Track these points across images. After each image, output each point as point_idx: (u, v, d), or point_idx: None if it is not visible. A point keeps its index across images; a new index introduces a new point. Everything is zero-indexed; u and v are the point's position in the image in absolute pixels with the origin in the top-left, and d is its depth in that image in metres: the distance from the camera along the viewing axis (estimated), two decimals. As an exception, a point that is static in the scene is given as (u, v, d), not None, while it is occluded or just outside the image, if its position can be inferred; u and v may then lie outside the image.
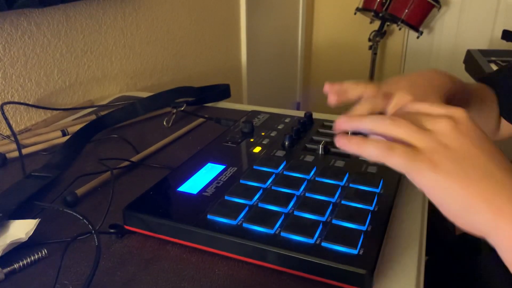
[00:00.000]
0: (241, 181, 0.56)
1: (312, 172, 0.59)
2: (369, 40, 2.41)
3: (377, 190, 0.54)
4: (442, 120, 0.36)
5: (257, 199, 0.52)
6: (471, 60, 1.68)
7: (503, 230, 0.33)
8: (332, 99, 0.52)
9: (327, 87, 0.53)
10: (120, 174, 0.66)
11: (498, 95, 0.67)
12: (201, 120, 0.86)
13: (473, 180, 0.34)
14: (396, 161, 0.35)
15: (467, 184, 0.34)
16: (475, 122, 0.37)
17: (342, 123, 0.41)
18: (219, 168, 0.61)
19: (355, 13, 2.40)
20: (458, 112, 0.37)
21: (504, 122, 0.68)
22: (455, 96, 0.55)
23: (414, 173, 0.35)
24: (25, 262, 0.47)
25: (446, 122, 0.36)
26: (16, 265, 0.46)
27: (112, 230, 0.52)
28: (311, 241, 0.45)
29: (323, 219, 0.48)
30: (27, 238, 0.49)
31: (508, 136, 0.70)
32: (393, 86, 0.51)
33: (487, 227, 0.33)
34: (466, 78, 1.74)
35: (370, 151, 0.37)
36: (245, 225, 0.48)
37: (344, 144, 0.39)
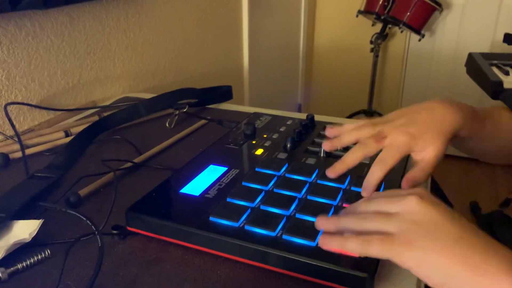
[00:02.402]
0: (243, 183, 0.57)
1: (314, 175, 0.59)
2: (371, 42, 2.42)
3: (379, 193, 0.54)
4: (407, 199, 0.40)
5: (259, 201, 0.53)
6: (473, 63, 1.68)
7: (484, 287, 0.35)
8: (327, 148, 0.56)
9: (329, 132, 0.57)
10: (122, 175, 0.67)
11: None
12: (203, 121, 0.86)
13: (446, 247, 0.36)
14: (376, 250, 0.38)
15: (442, 252, 0.36)
16: (434, 197, 0.41)
17: (322, 224, 0.44)
18: (221, 170, 0.61)
19: (357, 16, 2.40)
20: (418, 190, 0.42)
21: None
22: (464, 127, 0.54)
23: (395, 257, 0.38)
24: (28, 262, 0.47)
25: (411, 199, 0.40)
26: (19, 265, 0.47)
27: (114, 231, 0.52)
28: (312, 244, 0.45)
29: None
30: (30, 239, 0.49)
31: None
32: (389, 127, 0.52)
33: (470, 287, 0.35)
34: (468, 81, 1.74)
35: (351, 247, 0.40)
36: (247, 227, 0.48)
37: (326, 243, 0.42)
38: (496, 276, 0.34)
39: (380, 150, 0.51)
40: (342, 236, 0.41)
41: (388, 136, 0.51)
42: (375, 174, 0.50)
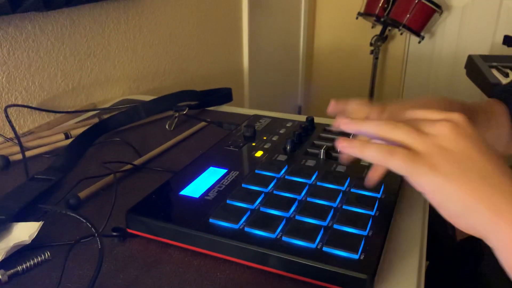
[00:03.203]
0: (243, 185, 0.57)
1: (314, 177, 0.59)
2: (371, 44, 2.42)
3: (378, 195, 0.54)
4: (441, 124, 0.37)
5: (259, 203, 0.53)
6: (472, 66, 1.68)
7: (502, 230, 0.33)
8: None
9: (332, 106, 0.54)
10: (122, 177, 0.67)
11: (509, 104, 0.66)
12: (203, 123, 0.87)
13: (471, 182, 0.34)
14: (396, 164, 0.36)
15: (466, 185, 0.34)
16: (473, 126, 0.38)
17: (344, 124, 0.41)
18: (221, 172, 0.61)
19: (356, 18, 2.41)
20: (456, 116, 0.38)
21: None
22: None
23: (415, 176, 0.36)
24: (28, 264, 0.47)
25: (445, 125, 0.37)
26: (19, 268, 0.47)
27: (114, 233, 0.52)
28: (312, 245, 0.45)
29: (325, 223, 0.49)
30: (30, 241, 0.49)
31: None
32: (399, 107, 0.51)
33: (486, 228, 0.34)
34: (468, 83, 1.74)
35: (371, 154, 0.38)
36: (246, 229, 0.48)
37: (345, 147, 0.39)
38: None
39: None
40: (364, 141, 0.39)
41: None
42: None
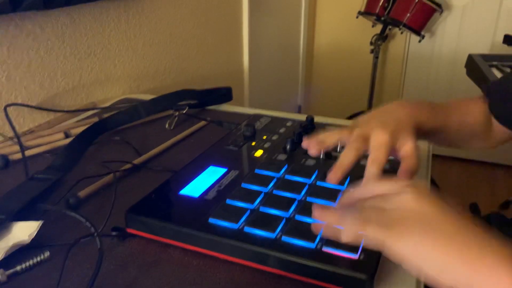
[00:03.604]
0: (243, 185, 0.57)
1: (314, 176, 0.59)
2: (371, 43, 2.42)
3: (378, 195, 0.54)
4: (406, 191, 0.39)
5: (259, 203, 0.53)
6: (473, 65, 1.68)
7: (481, 281, 0.34)
8: (313, 152, 0.56)
9: (306, 144, 0.57)
10: (122, 177, 0.67)
11: (492, 102, 0.68)
12: (203, 123, 0.87)
13: (443, 239, 0.36)
14: (372, 231, 0.38)
15: (439, 244, 0.36)
16: (431, 192, 0.40)
17: (319, 215, 0.43)
18: (221, 171, 0.61)
19: (357, 17, 2.40)
20: (419, 184, 0.41)
21: (497, 130, 0.69)
22: (428, 119, 0.59)
23: (390, 243, 0.37)
24: (27, 264, 0.47)
25: (411, 192, 0.39)
26: (18, 267, 0.47)
27: (114, 233, 0.52)
28: (312, 245, 0.45)
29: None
30: (29, 240, 0.49)
31: (501, 141, 0.71)
32: (366, 128, 0.54)
33: (466, 281, 0.35)
34: (468, 82, 1.74)
35: (347, 224, 0.39)
36: (246, 229, 0.48)
37: (322, 216, 0.42)
38: (492, 270, 0.34)
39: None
40: (339, 214, 0.41)
41: (371, 136, 0.52)
42: (371, 172, 0.50)
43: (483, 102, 0.69)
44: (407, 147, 0.53)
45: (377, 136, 0.52)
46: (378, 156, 0.51)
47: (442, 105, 0.64)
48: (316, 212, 0.42)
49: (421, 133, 0.58)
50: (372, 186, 0.44)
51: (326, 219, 0.41)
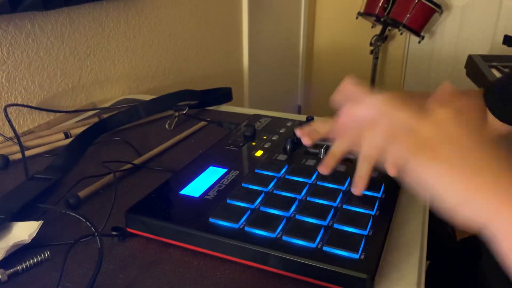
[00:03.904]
0: (243, 185, 0.57)
1: (314, 176, 0.59)
2: (371, 44, 2.42)
3: (379, 195, 0.54)
4: (443, 107, 0.37)
5: (259, 203, 0.53)
6: (472, 65, 1.68)
7: (504, 215, 0.33)
8: (306, 141, 0.55)
9: (299, 133, 0.56)
10: (122, 177, 0.67)
11: (490, 98, 0.69)
12: (203, 123, 0.86)
13: (472, 169, 0.34)
14: (399, 148, 0.36)
15: (466, 176, 0.34)
16: (475, 112, 0.38)
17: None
18: (221, 171, 0.61)
19: (356, 18, 2.41)
20: (458, 103, 0.39)
21: (494, 125, 0.69)
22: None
23: (415, 164, 0.35)
24: (28, 264, 0.47)
25: (448, 110, 0.37)
26: (19, 267, 0.46)
27: (114, 233, 0.52)
28: (312, 245, 0.45)
29: (325, 223, 0.49)
30: (30, 240, 0.49)
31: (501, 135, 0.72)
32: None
33: (487, 214, 0.33)
34: (468, 83, 1.74)
35: (374, 137, 0.37)
36: (247, 228, 0.48)
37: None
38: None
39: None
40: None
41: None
42: (362, 169, 0.49)
43: (479, 97, 0.69)
44: None
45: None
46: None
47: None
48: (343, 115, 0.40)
49: None
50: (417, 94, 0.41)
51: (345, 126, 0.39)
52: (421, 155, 0.35)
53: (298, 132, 0.56)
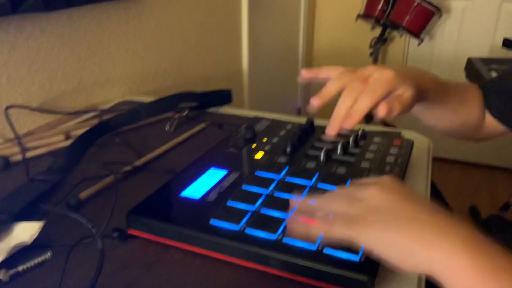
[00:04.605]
0: (244, 187, 0.57)
1: (314, 179, 0.59)
2: (370, 46, 2.42)
3: (379, 197, 0.54)
4: (370, 187, 0.42)
5: (260, 204, 0.53)
6: (472, 68, 1.69)
7: (439, 262, 0.35)
8: (317, 101, 0.55)
9: (304, 73, 0.58)
10: (123, 178, 0.67)
11: (487, 96, 0.70)
12: (203, 125, 0.87)
13: (403, 227, 0.38)
14: (339, 231, 0.40)
15: (399, 231, 0.37)
16: (400, 183, 0.43)
17: (293, 203, 0.46)
18: (222, 173, 0.61)
19: (356, 20, 2.41)
20: (384, 179, 0.43)
21: (489, 123, 0.70)
22: (429, 89, 0.59)
23: (357, 237, 0.39)
24: (29, 264, 0.47)
25: (374, 187, 0.42)
26: (20, 268, 0.47)
27: (115, 234, 0.52)
28: (313, 247, 0.45)
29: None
30: (31, 241, 0.49)
31: (489, 136, 0.73)
32: (372, 69, 0.54)
33: (427, 264, 0.36)
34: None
35: (315, 229, 0.41)
36: (247, 230, 0.48)
37: (293, 228, 0.43)
38: (448, 251, 0.35)
39: None
40: (307, 220, 0.42)
41: (374, 73, 0.53)
42: (363, 102, 0.50)
43: (479, 91, 0.71)
44: (405, 94, 0.53)
45: (382, 72, 0.52)
46: (374, 88, 0.51)
47: (445, 83, 0.65)
48: (287, 224, 0.44)
49: (421, 100, 0.58)
50: (344, 189, 0.45)
51: (296, 229, 0.42)
52: (359, 227, 0.39)
53: (303, 72, 0.58)
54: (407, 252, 0.37)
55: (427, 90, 0.59)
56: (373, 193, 0.41)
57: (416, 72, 0.58)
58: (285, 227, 0.48)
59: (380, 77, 0.52)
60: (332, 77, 0.55)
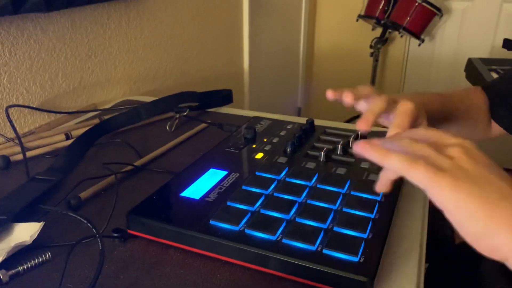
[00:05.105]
0: (243, 187, 0.57)
1: (314, 179, 0.59)
2: (371, 47, 2.42)
3: (378, 198, 0.55)
4: (455, 147, 0.38)
5: (259, 205, 0.53)
6: (472, 69, 1.69)
7: None
8: (349, 98, 0.54)
9: (330, 94, 0.56)
10: (123, 178, 0.67)
11: (490, 99, 0.70)
12: (203, 125, 0.87)
13: (492, 202, 0.34)
14: (419, 174, 0.35)
15: (487, 205, 0.34)
16: (482, 153, 0.39)
17: (365, 149, 0.39)
18: (222, 173, 0.61)
19: (357, 20, 2.41)
20: (466, 142, 0.39)
21: (495, 123, 0.71)
22: (438, 110, 0.61)
23: (436, 189, 0.35)
24: (29, 264, 0.47)
25: (459, 149, 0.37)
26: (20, 268, 0.47)
27: (115, 234, 0.52)
28: (312, 248, 0.45)
29: (325, 226, 0.49)
30: (31, 241, 0.49)
31: (498, 133, 0.73)
32: (395, 96, 0.54)
33: (508, 249, 0.33)
34: (467, 86, 1.75)
35: (393, 162, 0.37)
36: (247, 231, 0.48)
37: (366, 150, 0.38)
38: None
39: None
40: (386, 148, 0.38)
41: (399, 101, 0.53)
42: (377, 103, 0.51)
43: (483, 94, 0.71)
44: (424, 123, 0.54)
45: (405, 103, 0.52)
46: (403, 122, 0.51)
47: (450, 95, 0.66)
48: (359, 145, 0.39)
49: (431, 121, 0.58)
50: (423, 131, 0.41)
51: (370, 151, 0.38)
52: (444, 180, 0.35)
53: (330, 94, 0.57)
54: (488, 231, 0.33)
55: (432, 112, 0.59)
56: (460, 153, 0.37)
57: (421, 101, 0.57)
58: (284, 228, 0.48)
59: (404, 109, 0.51)
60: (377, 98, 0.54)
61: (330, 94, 0.56)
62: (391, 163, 0.37)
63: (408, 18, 2.22)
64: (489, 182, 0.35)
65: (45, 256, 0.48)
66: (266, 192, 0.56)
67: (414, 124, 0.52)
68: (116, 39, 1.07)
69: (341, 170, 0.62)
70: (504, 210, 0.34)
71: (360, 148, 0.38)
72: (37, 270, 0.48)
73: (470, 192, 0.34)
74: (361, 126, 0.49)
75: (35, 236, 0.50)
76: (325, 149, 0.66)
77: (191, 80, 1.42)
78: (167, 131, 0.85)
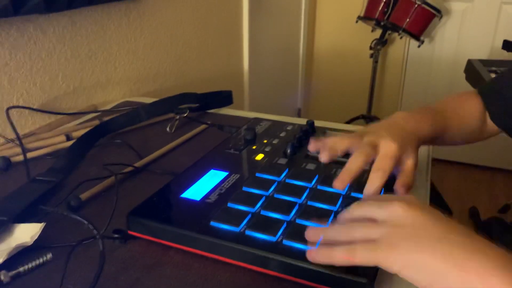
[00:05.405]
0: (244, 189, 0.57)
1: (314, 180, 0.59)
2: (370, 48, 2.43)
3: (378, 199, 0.55)
4: (394, 204, 0.40)
5: (260, 206, 0.53)
6: (472, 70, 1.69)
7: (473, 284, 0.34)
8: (325, 159, 0.56)
9: (312, 146, 0.58)
10: (123, 180, 0.67)
11: (487, 103, 0.71)
12: (203, 126, 0.87)
13: (429, 247, 0.36)
14: (361, 257, 0.38)
15: (425, 252, 0.36)
16: (422, 201, 0.41)
17: (310, 236, 0.45)
18: (222, 175, 0.61)
19: (356, 22, 2.41)
20: (408, 196, 0.42)
21: (489, 123, 0.71)
22: (429, 130, 0.61)
23: (381, 262, 0.37)
24: (30, 265, 0.47)
25: (398, 204, 0.40)
26: (21, 269, 0.47)
27: (116, 235, 0.52)
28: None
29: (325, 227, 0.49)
30: (32, 242, 0.49)
31: (493, 133, 0.74)
32: (376, 136, 0.55)
33: (460, 287, 0.34)
34: (467, 87, 1.75)
35: (337, 258, 0.40)
36: (247, 232, 0.48)
37: (314, 257, 0.42)
38: (482, 272, 0.34)
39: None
40: (328, 248, 0.41)
41: (380, 144, 0.53)
42: (375, 183, 0.51)
43: (477, 98, 0.71)
44: (409, 163, 0.55)
45: (386, 145, 0.53)
46: (384, 165, 0.52)
47: (442, 110, 0.66)
48: (309, 234, 0.44)
49: (424, 142, 0.59)
50: (357, 211, 0.44)
51: (317, 258, 0.42)
52: (382, 250, 0.37)
53: (313, 146, 0.58)
54: (436, 273, 0.35)
55: (428, 134, 0.61)
56: (395, 210, 0.39)
57: (412, 126, 0.59)
58: (284, 229, 0.49)
59: (385, 149, 0.53)
60: (337, 139, 0.56)
61: (311, 147, 0.59)
62: (338, 262, 0.40)
63: (408, 20, 2.22)
64: (425, 229, 0.38)
65: (46, 257, 0.49)
66: (267, 194, 0.56)
67: (399, 162, 0.54)
68: (116, 40, 1.07)
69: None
70: (442, 251, 0.35)
71: (309, 258, 0.42)
72: (38, 271, 0.48)
73: (408, 248, 0.37)
74: (337, 186, 0.52)
75: (36, 237, 0.50)
76: (325, 150, 0.66)
77: (191, 80, 1.43)
78: (167, 132, 0.85)
